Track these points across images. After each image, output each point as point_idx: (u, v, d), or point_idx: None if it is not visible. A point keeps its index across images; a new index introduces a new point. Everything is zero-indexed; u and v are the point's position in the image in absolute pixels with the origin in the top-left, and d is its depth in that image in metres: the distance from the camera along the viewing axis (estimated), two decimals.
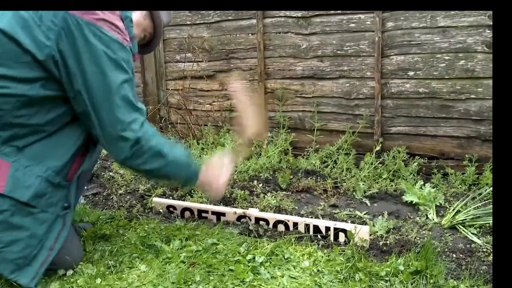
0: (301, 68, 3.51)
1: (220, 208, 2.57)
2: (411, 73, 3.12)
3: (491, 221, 2.37)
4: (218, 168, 2.15)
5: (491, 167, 2.87)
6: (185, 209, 2.63)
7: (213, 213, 2.56)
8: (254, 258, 2.07)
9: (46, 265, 1.91)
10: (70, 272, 1.99)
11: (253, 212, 2.48)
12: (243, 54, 3.74)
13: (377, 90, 3.22)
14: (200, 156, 3.38)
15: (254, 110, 2.21)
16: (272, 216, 2.43)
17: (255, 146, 3.52)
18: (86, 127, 1.93)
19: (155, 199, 2.75)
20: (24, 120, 1.83)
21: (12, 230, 1.83)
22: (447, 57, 2.99)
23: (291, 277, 1.95)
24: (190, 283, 1.90)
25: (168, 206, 2.68)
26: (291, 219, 2.39)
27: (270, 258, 2.08)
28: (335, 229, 2.28)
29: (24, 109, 1.82)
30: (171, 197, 2.90)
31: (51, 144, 1.90)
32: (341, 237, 2.26)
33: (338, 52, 3.33)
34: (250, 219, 2.45)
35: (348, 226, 2.26)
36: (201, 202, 2.75)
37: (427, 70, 3.06)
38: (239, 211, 2.50)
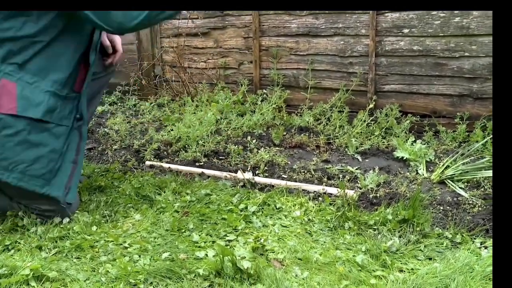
0: (296, 25, 3.48)
1: (213, 172, 2.59)
2: (405, 31, 3.11)
3: (479, 176, 2.43)
4: None
5: (482, 124, 2.90)
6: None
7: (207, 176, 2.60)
8: (246, 207, 2.12)
9: (75, 179, 2.00)
10: (66, 220, 2.03)
11: (246, 176, 2.50)
12: (238, 11, 3.70)
13: (371, 48, 3.22)
14: (194, 113, 3.38)
15: None
16: (263, 181, 2.46)
17: (250, 103, 3.54)
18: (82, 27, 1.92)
19: (148, 162, 2.76)
20: (13, 33, 1.84)
21: (32, 148, 1.90)
22: (442, 14, 2.97)
23: (283, 226, 2.01)
24: (183, 230, 1.96)
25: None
26: (282, 183, 2.41)
27: (262, 208, 2.13)
28: (324, 193, 2.32)
29: (11, 21, 1.82)
30: (165, 152, 2.92)
31: (50, 55, 1.91)
32: (332, 191, 2.32)
33: None
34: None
35: (336, 191, 2.28)
36: (194, 157, 2.78)
37: (421, 28, 3.05)
38: (231, 175, 2.53)
